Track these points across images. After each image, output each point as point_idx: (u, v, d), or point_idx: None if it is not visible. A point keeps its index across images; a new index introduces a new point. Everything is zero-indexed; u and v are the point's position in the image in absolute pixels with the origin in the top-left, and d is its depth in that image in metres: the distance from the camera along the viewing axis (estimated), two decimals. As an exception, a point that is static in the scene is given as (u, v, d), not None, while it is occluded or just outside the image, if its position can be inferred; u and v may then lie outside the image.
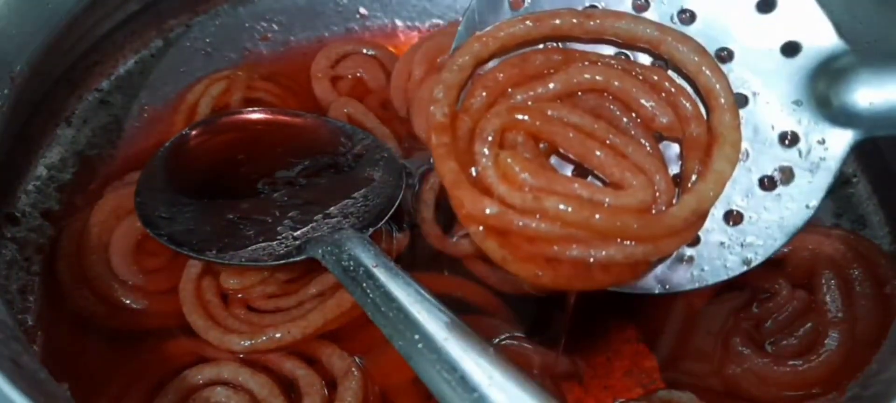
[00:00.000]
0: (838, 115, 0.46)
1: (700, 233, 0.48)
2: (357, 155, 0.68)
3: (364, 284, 0.52)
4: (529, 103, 0.49)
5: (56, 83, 0.72)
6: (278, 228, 0.62)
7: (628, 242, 0.45)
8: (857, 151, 0.67)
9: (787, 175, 0.47)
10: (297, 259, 0.59)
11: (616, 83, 0.48)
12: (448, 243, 0.65)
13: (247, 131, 0.71)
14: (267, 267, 0.61)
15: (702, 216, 0.46)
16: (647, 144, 0.48)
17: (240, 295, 0.62)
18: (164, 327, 0.61)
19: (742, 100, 0.48)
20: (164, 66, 0.80)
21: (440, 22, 0.86)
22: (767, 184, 0.48)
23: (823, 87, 0.46)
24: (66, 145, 0.73)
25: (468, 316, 0.49)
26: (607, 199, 0.45)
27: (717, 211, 0.48)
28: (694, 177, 0.47)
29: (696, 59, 0.47)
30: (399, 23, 0.86)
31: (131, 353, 0.60)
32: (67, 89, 0.74)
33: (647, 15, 0.49)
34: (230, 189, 0.65)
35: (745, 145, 0.47)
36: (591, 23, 0.49)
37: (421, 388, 0.55)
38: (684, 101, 0.48)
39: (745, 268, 0.48)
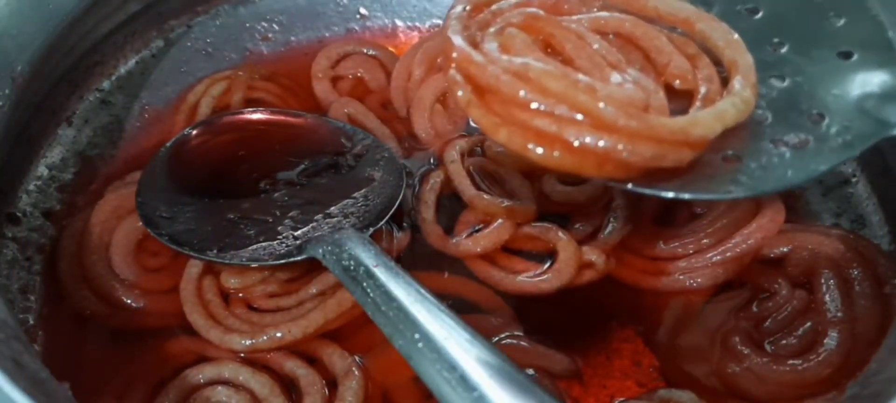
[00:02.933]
0: (870, 115, 0.47)
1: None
2: (357, 155, 0.68)
3: (364, 284, 0.52)
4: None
5: (57, 83, 0.72)
6: (279, 228, 0.62)
7: (606, 133, 0.43)
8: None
9: (802, 143, 0.47)
10: (298, 259, 0.59)
11: (642, 31, 0.49)
12: (449, 243, 0.65)
13: (247, 131, 0.71)
14: (267, 266, 0.61)
15: (690, 143, 0.45)
16: (656, 81, 0.48)
17: (240, 295, 0.62)
18: (165, 326, 0.61)
19: (781, 79, 0.49)
20: (164, 67, 0.80)
21: (440, 22, 0.86)
22: (779, 144, 0.47)
23: (864, 90, 0.48)
24: (68, 145, 0.73)
25: (468, 315, 0.49)
26: (598, 85, 0.44)
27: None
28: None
29: (725, 37, 0.49)
30: (399, 23, 0.86)
31: (132, 352, 0.60)
32: (68, 89, 0.74)
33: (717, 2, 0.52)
34: (231, 189, 0.66)
35: (769, 113, 0.48)
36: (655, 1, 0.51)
37: (421, 387, 0.55)
38: (705, 63, 0.49)
39: (725, 196, 0.48)
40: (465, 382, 0.43)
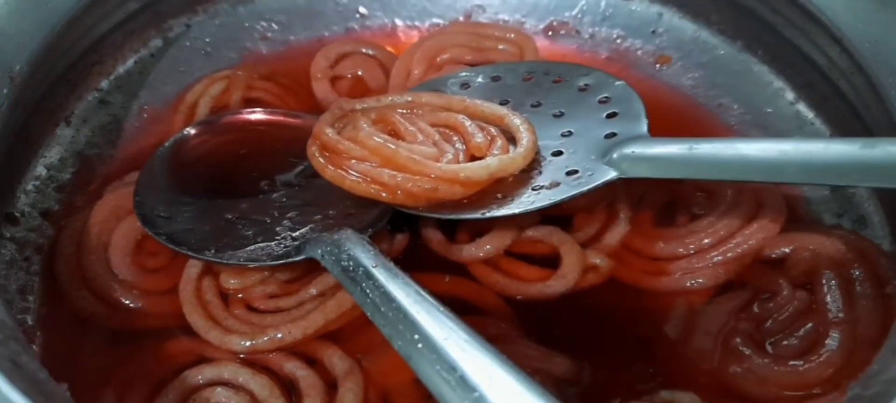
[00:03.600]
0: (609, 165, 0.60)
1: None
2: (357, 155, 0.68)
3: (363, 284, 0.52)
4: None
5: (55, 83, 0.72)
6: (277, 228, 0.62)
7: (401, 173, 0.59)
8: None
9: (553, 186, 0.61)
10: (296, 259, 0.59)
11: (460, 121, 0.65)
12: (452, 249, 0.65)
13: (246, 131, 0.71)
14: (266, 266, 0.61)
15: (461, 182, 0.60)
16: (461, 152, 0.63)
17: (240, 295, 0.62)
18: (165, 327, 0.61)
19: (559, 153, 0.64)
20: (163, 66, 0.80)
21: (440, 21, 0.86)
22: (538, 190, 0.61)
23: (612, 152, 0.61)
24: (66, 145, 0.73)
25: (468, 316, 0.49)
26: (402, 144, 0.61)
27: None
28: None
29: (520, 126, 0.64)
30: (399, 22, 0.86)
31: (131, 353, 0.60)
32: (67, 89, 0.74)
33: (540, 111, 0.68)
34: (229, 189, 0.66)
35: (541, 171, 0.63)
36: (466, 103, 0.67)
37: (422, 389, 0.55)
38: (498, 141, 0.63)
39: (484, 216, 0.61)
40: (464, 383, 0.43)
